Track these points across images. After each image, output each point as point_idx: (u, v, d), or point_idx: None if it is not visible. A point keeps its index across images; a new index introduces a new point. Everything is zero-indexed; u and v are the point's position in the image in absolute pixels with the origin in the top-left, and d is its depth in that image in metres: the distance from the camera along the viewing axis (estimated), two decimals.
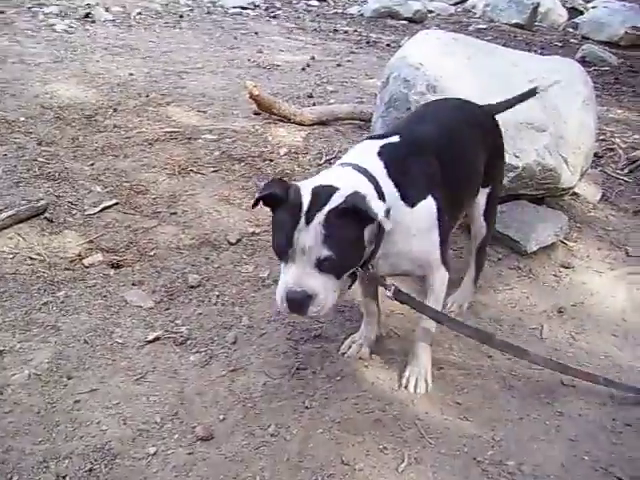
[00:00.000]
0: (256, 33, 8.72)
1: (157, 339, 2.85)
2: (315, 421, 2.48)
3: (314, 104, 5.58)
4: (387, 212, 2.21)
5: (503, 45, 6.94)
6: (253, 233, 3.65)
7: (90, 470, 2.22)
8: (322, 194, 2.18)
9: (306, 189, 2.21)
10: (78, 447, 2.30)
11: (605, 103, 6.49)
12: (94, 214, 3.67)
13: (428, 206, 2.42)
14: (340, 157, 3.65)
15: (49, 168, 4.04)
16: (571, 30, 11.30)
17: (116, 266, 3.30)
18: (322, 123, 5.08)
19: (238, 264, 3.40)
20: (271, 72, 6.75)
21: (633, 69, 8.52)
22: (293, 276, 2.17)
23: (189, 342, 2.86)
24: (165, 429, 2.42)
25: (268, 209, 2.29)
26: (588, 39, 10.02)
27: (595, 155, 4.45)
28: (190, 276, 3.26)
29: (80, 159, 4.24)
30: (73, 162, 4.18)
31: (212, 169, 4.27)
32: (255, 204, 2.29)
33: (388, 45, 8.77)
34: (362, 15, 11.40)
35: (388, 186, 2.33)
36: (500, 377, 2.77)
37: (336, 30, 9.70)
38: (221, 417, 2.48)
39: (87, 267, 3.28)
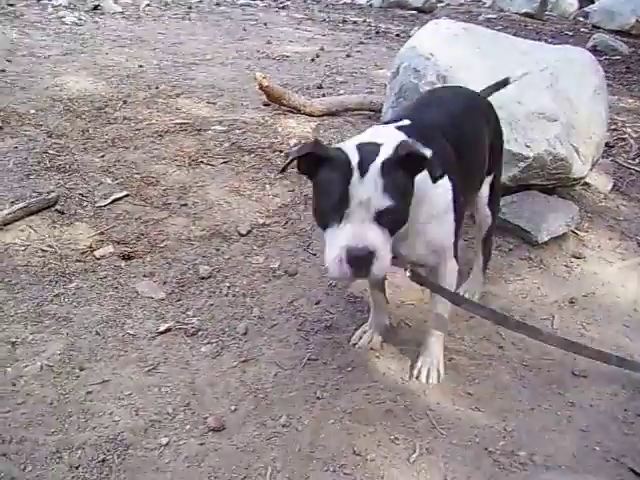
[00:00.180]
0: (265, 24, 8.71)
1: (168, 330, 2.86)
2: (326, 412, 2.48)
3: (324, 95, 5.57)
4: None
5: (513, 35, 6.89)
6: (263, 224, 3.65)
7: (103, 460, 2.23)
8: (369, 148, 2.12)
9: (348, 147, 2.15)
10: (91, 438, 2.32)
11: (616, 92, 6.46)
12: (105, 206, 3.68)
13: (446, 186, 2.36)
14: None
15: (59, 160, 4.06)
16: (582, 19, 11.25)
17: (127, 258, 3.31)
18: (332, 114, 5.07)
19: (249, 255, 3.41)
20: (280, 63, 6.75)
21: None
22: (353, 233, 2.04)
23: (200, 333, 2.86)
24: (177, 420, 2.42)
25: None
26: (599, 28, 9.96)
27: (606, 145, 4.42)
28: (201, 267, 3.27)
29: (90, 151, 4.25)
30: (83, 154, 4.19)
31: (222, 160, 4.27)
32: (286, 167, 2.19)
33: (397, 35, 8.75)
34: (371, 5, 11.38)
35: None
36: (511, 367, 2.77)
37: (345, 20, 9.69)
38: (232, 408, 2.48)
39: (98, 259, 3.28)
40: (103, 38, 7.07)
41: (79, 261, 3.26)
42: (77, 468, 2.20)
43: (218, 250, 3.42)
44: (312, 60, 6.91)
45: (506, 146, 3.51)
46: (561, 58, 3.90)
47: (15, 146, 4.16)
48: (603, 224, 3.90)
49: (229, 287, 3.17)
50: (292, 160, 2.15)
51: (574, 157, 3.67)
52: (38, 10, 8.05)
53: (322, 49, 7.43)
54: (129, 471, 2.21)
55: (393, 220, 2.10)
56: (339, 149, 2.14)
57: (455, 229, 2.47)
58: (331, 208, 2.07)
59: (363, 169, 2.04)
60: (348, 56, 7.28)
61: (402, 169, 2.10)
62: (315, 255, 3.42)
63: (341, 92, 5.70)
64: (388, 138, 2.19)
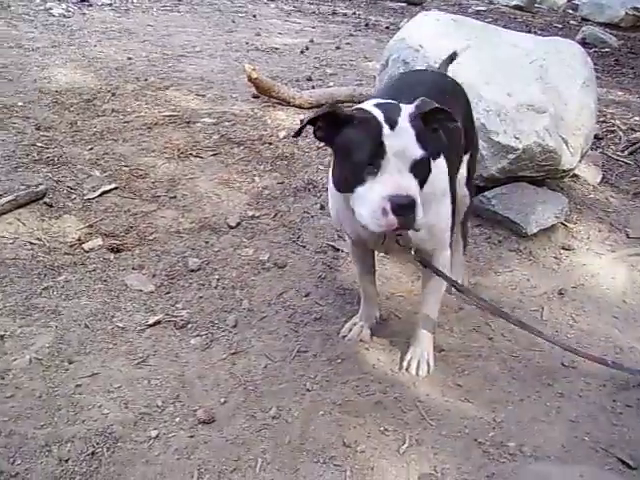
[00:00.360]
0: (254, 16, 8.68)
1: (158, 323, 2.86)
2: (316, 403, 2.48)
3: (313, 87, 5.56)
4: None
5: (503, 27, 6.90)
6: (253, 216, 3.64)
7: (92, 454, 2.23)
8: (389, 106, 2.14)
9: (366, 106, 2.15)
10: (80, 431, 2.31)
11: (605, 85, 6.47)
12: (93, 198, 3.67)
13: (442, 165, 2.38)
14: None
15: (48, 153, 4.03)
16: (571, 12, 11.25)
17: (116, 250, 3.30)
18: (321, 106, 5.05)
19: (238, 247, 3.40)
20: (270, 55, 6.73)
21: (633, 51, 8.49)
22: (394, 182, 2.02)
23: (190, 326, 2.86)
24: (166, 412, 2.42)
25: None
26: (588, 21, 9.97)
27: (595, 137, 4.44)
28: (190, 260, 3.26)
29: (79, 144, 4.23)
30: (72, 147, 4.17)
31: (211, 153, 4.26)
32: (300, 130, 2.17)
33: (387, 27, 8.74)
34: None
35: None
36: (501, 359, 2.78)
37: (335, 13, 9.66)
38: (222, 400, 2.48)
39: (87, 251, 3.27)
40: (91, 30, 7.02)
41: (68, 254, 3.25)
42: (66, 461, 2.20)
43: (207, 242, 3.41)
44: (301, 52, 6.89)
45: (495, 138, 3.53)
46: (550, 50, 3.90)
47: (3, 139, 4.13)
48: (592, 216, 3.91)
49: (218, 280, 3.16)
50: (308, 122, 2.14)
51: (563, 149, 3.68)
52: (25, 2, 7.97)
53: (311, 41, 7.41)
54: (119, 464, 2.20)
55: (423, 171, 2.10)
56: (358, 109, 2.15)
57: (452, 212, 2.49)
58: (366, 161, 2.03)
59: (392, 122, 2.05)
60: (337, 48, 7.26)
61: (428, 122, 2.13)
62: (304, 247, 3.42)
63: (330, 84, 5.70)
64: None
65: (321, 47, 7.22)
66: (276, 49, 6.95)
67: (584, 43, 7.98)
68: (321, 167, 4.15)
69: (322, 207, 3.73)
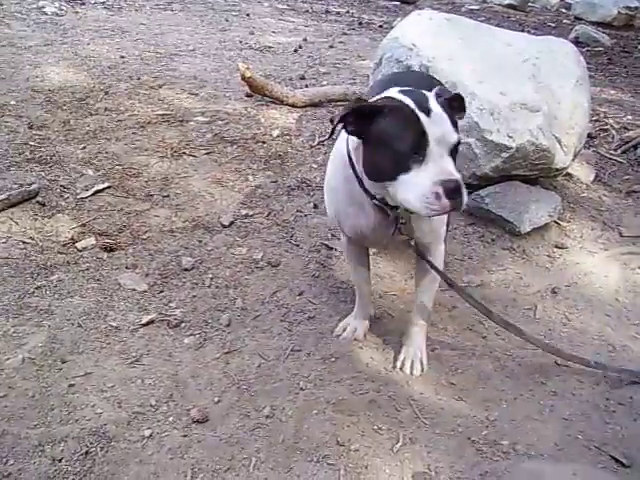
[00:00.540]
0: (248, 15, 8.67)
1: (151, 322, 2.85)
2: (310, 402, 2.48)
3: (306, 86, 5.55)
4: None
5: (496, 26, 6.90)
6: (246, 215, 3.64)
7: (86, 453, 2.22)
8: (414, 93, 2.16)
9: (393, 95, 2.16)
10: (73, 430, 2.31)
11: (598, 84, 6.48)
12: (86, 197, 3.66)
13: None
14: (333, 138, 3.66)
15: (41, 152, 4.02)
16: (564, 11, 11.27)
17: (109, 249, 3.29)
18: (314, 105, 5.06)
19: (231, 246, 3.40)
20: (263, 54, 6.72)
21: (626, 50, 8.51)
22: (442, 167, 2.06)
23: (183, 325, 2.86)
24: (160, 412, 2.42)
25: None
26: (581, 20, 9.99)
27: (588, 136, 4.44)
28: (184, 259, 3.26)
29: (72, 142, 4.22)
30: (65, 145, 4.16)
31: (204, 151, 4.25)
32: (333, 130, 2.17)
33: (380, 26, 8.74)
34: None
35: None
36: (494, 358, 2.78)
37: (328, 11, 9.66)
38: (216, 399, 2.48)
39: (80, 251, 3.27)
40: (84, 28, 7.00)
41: (61, 253, 3.24)
42: (60, 461, 2.19)
43: (201, 241, 3.41)
44: (295, 51, 6.89)
45: (489, 137, 3.53)
46: (543, 49, 3.90)
47: None
48: (585, 214, 3.91)
49: (212, 278, 3.16)
50: (340, 120, 2.13)
51: (556, 148, 3.68)
52: (18, 0, 7.96)
53: (305, 40, 7.41)
54: (112, 464, 2.20)
55: (455, 155, 2.14)
56: (387, 98, 2.16)
57: None
58: (411, 150, 2.05)
59: (425, 109, 2.07)
60: (331, 47, 7.26)
61: (453, 107, 2.20)
62: (298, 246, 3.42)
63: (324, 83, 5.69)
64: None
65: (314, 46, 7.21)
66: (270, 48, 6.94)
67: (577, 42, 8.00)
68: (314, 166, 4.15)
69: (315, 206, 3.73)
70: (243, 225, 3.56)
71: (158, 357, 2.68)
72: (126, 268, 3.19)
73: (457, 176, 2.07)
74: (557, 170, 3.83)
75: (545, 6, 11.69)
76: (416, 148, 2.05)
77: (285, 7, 9.64)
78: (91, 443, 2.26)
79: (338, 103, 5.11)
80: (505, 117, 3.55)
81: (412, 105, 2.08)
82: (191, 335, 2.81)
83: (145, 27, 7.42)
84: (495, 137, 3.55)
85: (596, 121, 5.13)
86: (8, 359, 2.58)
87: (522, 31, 7.63)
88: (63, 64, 5.60)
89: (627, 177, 4.39)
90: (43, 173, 3.79)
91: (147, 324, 2.84)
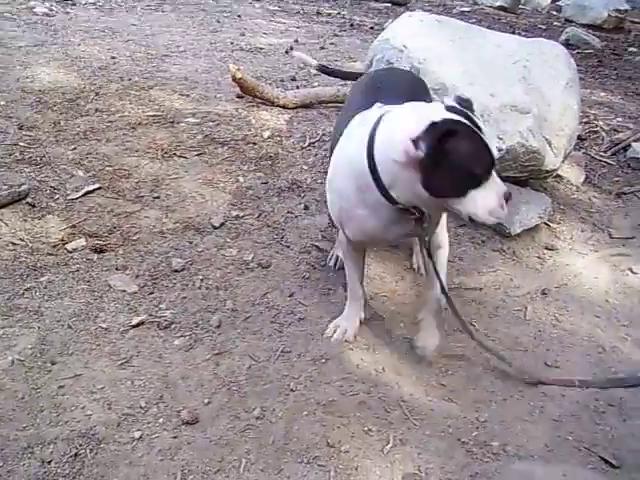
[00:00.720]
0: (239, 16, 8.65)
1: (141, 323, 2.85)
2: (300, 404, 2.48)
3: (297, 87, 5.54)
4: None
5: (487, 27, 6.91)
6: (237, 216, 3.63)
7: (75, 455, 2.22)
8: (461, 111, 2.28)
9: (445, 115, 2.24)
10: (63, 432, 2.30)
11: (588, 86, 6.50)
12: (77, 199, 3.64)
13: None
14: (324, 140, 3.67)
15: (30, 153, 4.01)
16: (555, 13, 11.27)
17: (99, 251, 3.28)
18: (305, 106, 5.06)
19: (222, 248, 3.39)
20: (254, 55, 6.71)
21: (616, 52, 8.53)
22: (499, 181, 2.31)
23: (173, 326, 2.85)
24: (150, 413, 2.42)
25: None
26: (572, 22, 9.99)
27: (578, 137, 4.45)
28: (174, 260, 3.25)
29: (62, 143, 4.20)
30: (55, 146, 4.15)
31: (195, 153, 4.24)
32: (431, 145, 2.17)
33: (372, 28, 8.73)
34: None
35: None
36: (484, 359, 2.78)
37: (319, 13, 9.64)
38: (206, 401, 2.48)
39: (70, 252, 3.26)
40: (75, 29, 6.97)
41: (51, 254, 3.23)
42: (49, 463, 2.19)
43: (191, 243, 3.40)
44: (286, 52, 6.87)
45: None
46: (534, 51, 3.91)
47: None
48: (575, 216, 3.93)
49: (202, 280, 3.15)
50: (432, 139, 2.15)
51: (546, 149, 3.69)
52: (8, 0, 7.93)
53: (296, 41, 7.39)
54: (102, 466, 2.20)
55: None
56: (448, 120, 2.22)
57: None
58: (485, 171, 2.25)
59: (480, 128, 2.24)
60: (322, 48, 7.25)
61: None
62: (288, 247, 3.42)
63: (315, 84, 5.68)
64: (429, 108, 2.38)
65: (306, 47, 7.20)
66: (261, 49, 6.93)
67: (567, 44, 8.01)
68: (305, 167, 4.15)
69: (306, 207, 3.73)
70: (233, 226, 3.56)
71: (148, 358, 2.67)
72: (116, 269, 3.18)
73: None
74: (547, 172, 3.84)
75: (536, 8, 11.71)
76: (489, 168, 2.25)
77: (276, 8, 9.63)
78: (80, 445, 2.26)
79: (329, 104, 5.12)
80: (495, 119, 3.56)
81: (472, 125, 2.23)
82: (181, 336, 2.80)
83: (136, 28, 7.40)
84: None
85: (586, 123, 5.14)
86: None
87: (513, 33, 7.64)
88: (53, 65, 5.57)
89: (617, 179, 4.40)
90: (33, 174, 3.78)
91: (137, 325, 2.83)
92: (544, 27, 9.94)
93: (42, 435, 2.28)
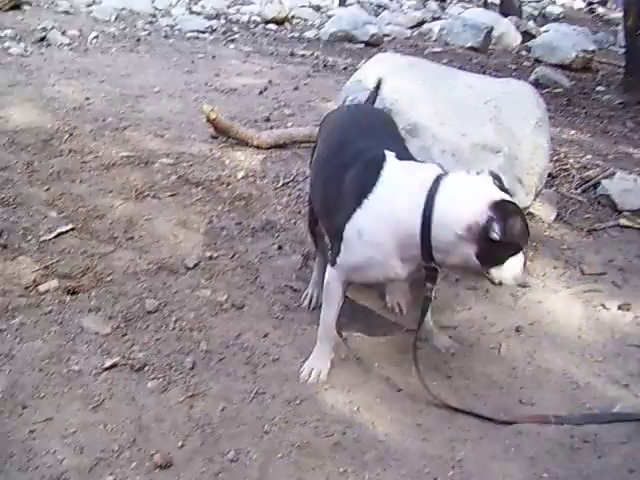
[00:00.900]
0: (213, 57, 8.72)
1: (114, 366, 2.82)
2: (275, 446, 2.46)
3: (272, 127, 5.58)
4: None
5: (459, 68, 7.01)
6: (211, 257, 3.63)
7: None
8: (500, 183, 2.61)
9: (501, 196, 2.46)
10: (33, 478, 2.27)
11: (558, 124, 6.60)
12: (50, 240, 3.63)
13: None
14: (298, 180, 3.70)
15: (3, 193, 3.99)
16: (524, 53, 11.48)
17: (72, 292, 3.26)
18: (280, 146, 5.09)
19: (196, 289, 3.38)
20: (229, 96, 6.75)
21: (585, 91, 8.69)
22: None
23: (147, 368, 2.83)
24: (123, 457, 2.38)
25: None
26: (541, 62, 10.17)
27: (549, 175, 4.51)
28: (147, 301, 3.23)
29: (35, 184, 4.19)
30: (28, 187, 4.14)
31: (169, 193, 4.25)
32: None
33: (345, 68, 8.83)
34: (319, 39, 11.47)
35: None
36: (460, 397, 2.78)
37: (293, 54, 9.74)
38: (180, 444, 2.45)
39: (43, 293, 3.23)
40: (50, 70, 6.99)
41: (23, 296, 3.20)
42: None
43: (165, 284, 3.39)
44: (260, 93, 6.92)
45: None
46: (504, 91, 3.98)
47: None
48: (547, 253, 3.96)
49: (176, 321, 3.14)
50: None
51: (518, 188, 3.72)
52: None
53: (270, 82, 7.45)
54: None
55: None
56: (506, 201, 2.46)
57: None
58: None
59: None
60: (296, 89, 7.31)
61: None
62: (262, 288, 3.41)
63: (289, 124, 5.72)
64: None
65: (280, 88, 7.26)
66: (235, 90, 6.97)
67: (537, 83, 8.14)
68: (279, 208, 4.17)
69: (280, 247, 3.73)
70: (207, 267, 3.55)
71: (121, 401, 2.64)
72: (89, 311, 3.16)
73: None
74: None
75: (506, 48, 11.92)
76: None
77: (250, 50, 9.71)
78: None
79: (303, 144, 5.14)
80: (467, 158, 3.60)
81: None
82: (155, 379, 2.77)
83: (111, 69, 7.43)
84: None
85: (557, 161, 5.21)
86: None
87: (484, 73, 7.75)
88: (28, 105, 5.58)
89: (587, 216, 4.46)
90: (5, 215, 3.76)
91: (110, 368, 2.80)
92: (514, 67, 10.10)
93: None
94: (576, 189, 4.80)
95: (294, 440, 2.49)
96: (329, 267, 2.76)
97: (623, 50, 9.37)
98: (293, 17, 13.77)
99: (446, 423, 2.64)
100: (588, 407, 2.81)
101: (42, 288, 3.26)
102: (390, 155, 2.60)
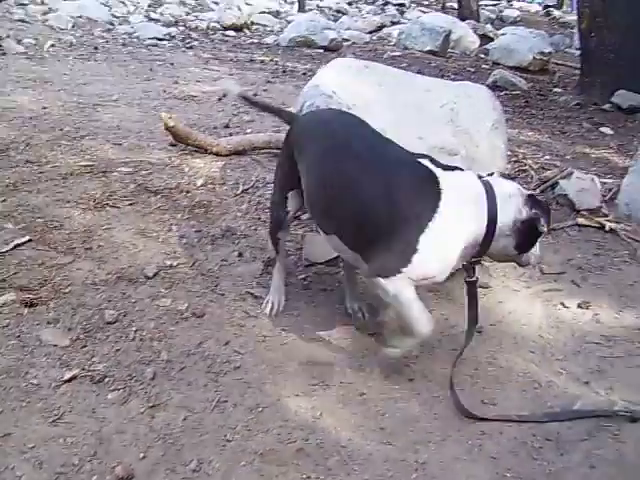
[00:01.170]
0: (172, 64, 8.68)
1: (74, 378, 2.78)
2: (237, 454, 2.45)
3: (231, 134, 5.56)
4: None
5: (418, 71, 7.06)
6: (170, 266, 3.60)
7: None
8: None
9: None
10: None
11: (517, 126, 6.67)
12: (6, 252, 3.56)
13: None
14: (258, 186, 3.68)
15: None
16: (483, 56, 11.61)
17: (30, 305, 3.21)
18: (239, 153, 5.06)
19: (156, 298, 3.35)
20: (187, 103, 6.71)
21: (542, 93, 8.81)
22: None
23: (107, 380, 2.79)
24: (83, 471, 2.36)
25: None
26: (499, 64, 10.31)
27: (508, 176, 4.54)
28: (107, 312, 3.19)
29: None
30: None
31: (128, 202, 4.20)
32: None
33: (304, 74, 8.84)
34: (278, 45, 11.50)
35: None
36: (422, 400, 2.80)
37: (252, 60, 9.74)
38: (141, 455, 2.43)
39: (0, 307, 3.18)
40: (5, 79, 6.90)
41: None
42: None
43: (124, 294, 3.35)
44: (219, 99, 6.89)
45: None
46: (461, 94, 4.00)
47: None
48: None
49: (136, 331, 3.10)
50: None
51: None
52: None
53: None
54: None
55: None
56: (536, 196, 2.93)
57: None
58: None
59: None
60: (255, 95, 7.27)
61: None
62: (223, 295, 3.39)
63: (248, 131, 5.71)
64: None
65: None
66: (194, 97, 6.94)
67: (495, 86, 8.24)
68: (239, 214, 4.15)
69: (240, 254, 3.72)
70: (167, 276, 3.52)
71: (81, 414, 2.61)
72: (47, 323, 3.11)
73: None
74: None
75: (464, 52, 12.04)
76: None
77: (209, 56, 9.68)
78: None
79: (262, 151, 5.13)
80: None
81: None
82: (115, 390, 2.74)
83: (68, 77, 7.36)
84: None
85: (515, 162, 5.26)
86: None
87: (442, 77, 7.84)
88: None
89: None
90: None
91: (69, 380, 2.76)
92: (473, 70, 10.20)
93: None
94: (535, 189, 4.84)
95: (257, 448, 2.48)
96: (389, 279, 2.73)
97: (578, 52, 9.50)
98: (252, 23, 13.81)
99: (409, 426, 2.66)
100: (550, 405, 2.84)
101: None
102: (432, 166, 2.86)
